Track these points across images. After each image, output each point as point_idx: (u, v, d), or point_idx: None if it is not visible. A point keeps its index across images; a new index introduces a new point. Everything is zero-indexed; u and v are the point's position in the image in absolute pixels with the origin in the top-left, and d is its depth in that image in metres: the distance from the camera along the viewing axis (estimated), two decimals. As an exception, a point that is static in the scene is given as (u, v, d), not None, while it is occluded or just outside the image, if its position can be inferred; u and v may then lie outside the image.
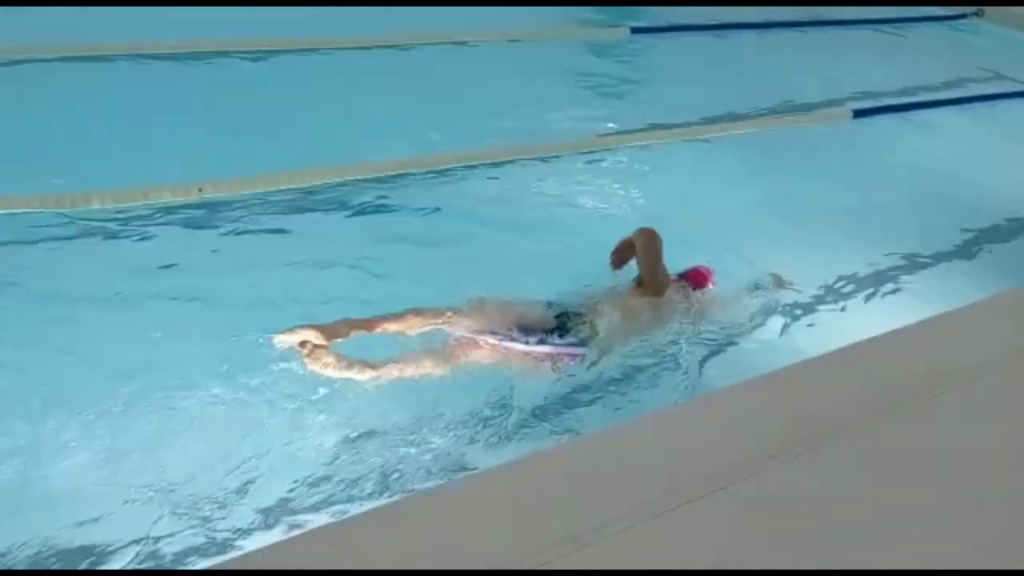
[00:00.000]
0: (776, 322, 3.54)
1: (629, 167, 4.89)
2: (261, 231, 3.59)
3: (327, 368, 2.65)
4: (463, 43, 6.09)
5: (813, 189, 4.88)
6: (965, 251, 4.66)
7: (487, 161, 4.51)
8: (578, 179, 4.68)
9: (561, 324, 3.00)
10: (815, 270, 4.00)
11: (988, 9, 9.00)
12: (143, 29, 5.28)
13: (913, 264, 4.34)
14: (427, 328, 2.87)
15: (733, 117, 5.62)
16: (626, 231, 3.36)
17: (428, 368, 2.80)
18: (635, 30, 6.78)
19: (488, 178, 4.43)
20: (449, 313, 2.90)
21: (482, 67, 5.86)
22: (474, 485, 1.96)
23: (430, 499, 1.93)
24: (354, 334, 2.74)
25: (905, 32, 8.55)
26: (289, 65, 5.38)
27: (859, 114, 5.70)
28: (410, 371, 2.77)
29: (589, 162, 4.90)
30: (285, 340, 2.65)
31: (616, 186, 4.67)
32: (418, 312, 2.87)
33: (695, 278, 3.41)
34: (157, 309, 2.98)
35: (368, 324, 2.80)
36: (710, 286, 3.41)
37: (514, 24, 6.64)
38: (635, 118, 5.47)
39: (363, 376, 2.70)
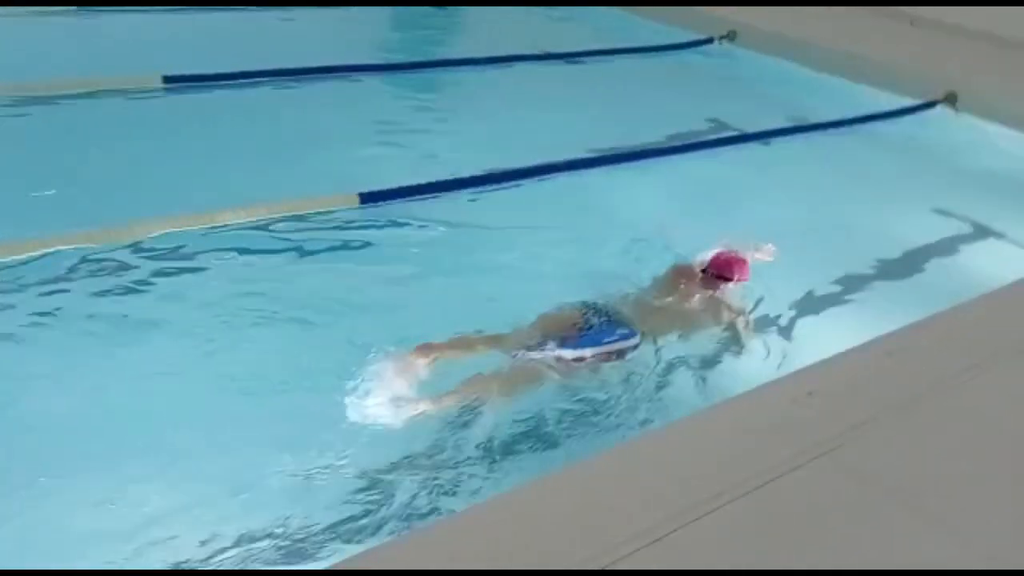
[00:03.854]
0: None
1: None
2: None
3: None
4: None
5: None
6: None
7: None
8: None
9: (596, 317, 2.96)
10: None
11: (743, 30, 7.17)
12: None
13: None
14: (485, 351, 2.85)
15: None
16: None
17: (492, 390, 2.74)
18: (168, 79, 4.73)
19: None
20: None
21: None
22: (533, 491, 2.02)
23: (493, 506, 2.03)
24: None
25: (626, 64, 6.71)
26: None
27: (367, 198, 3.68)
28: (473, 396, 2.71)
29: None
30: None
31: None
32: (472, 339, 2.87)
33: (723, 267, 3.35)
34: None
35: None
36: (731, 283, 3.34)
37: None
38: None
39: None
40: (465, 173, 4.19)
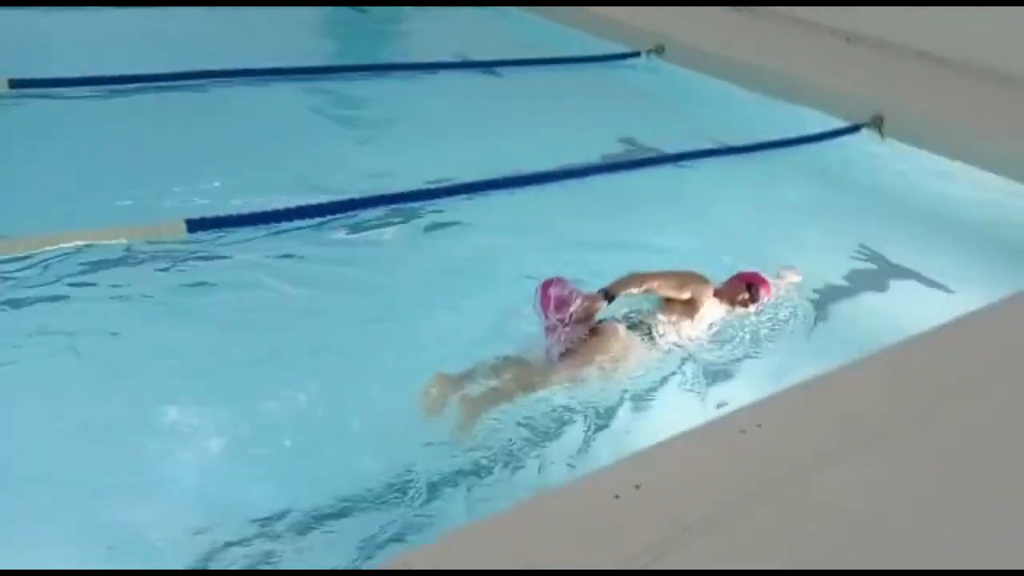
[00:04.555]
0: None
1: None
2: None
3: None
4: None
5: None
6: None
7: None
8: None
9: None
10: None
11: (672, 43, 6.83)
12: None
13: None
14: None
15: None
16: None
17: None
18: (15, 83, 4.28)
19: None
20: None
21: None
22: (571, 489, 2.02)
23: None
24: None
25: (547, 76, 6.35)
26: None
27: (195, 226, 3.27)
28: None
29: None
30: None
31: None
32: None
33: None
34: None
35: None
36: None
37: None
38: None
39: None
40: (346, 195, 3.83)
